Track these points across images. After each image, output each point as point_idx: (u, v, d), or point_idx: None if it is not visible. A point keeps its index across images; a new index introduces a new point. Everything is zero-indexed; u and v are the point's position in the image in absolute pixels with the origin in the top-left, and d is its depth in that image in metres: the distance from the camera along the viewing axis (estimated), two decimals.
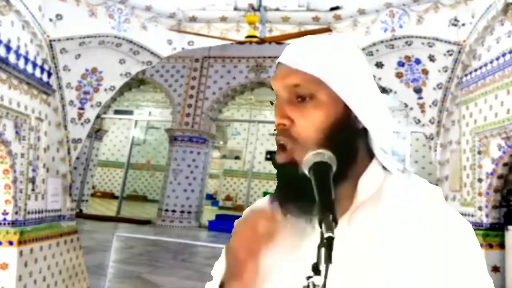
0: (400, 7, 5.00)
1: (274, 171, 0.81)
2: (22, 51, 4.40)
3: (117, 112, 17.37)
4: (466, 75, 4.74)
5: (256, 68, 13.35)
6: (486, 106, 4.35)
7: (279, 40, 5.58)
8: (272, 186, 18.41)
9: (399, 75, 5.28)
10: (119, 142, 22.38)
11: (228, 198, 20.44)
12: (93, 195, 18.59)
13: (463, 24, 4.64)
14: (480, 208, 4.33)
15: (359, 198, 0.78)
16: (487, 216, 4.26)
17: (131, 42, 5.41)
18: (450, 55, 4.81)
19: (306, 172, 0.73)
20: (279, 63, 0.82)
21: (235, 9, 5.78)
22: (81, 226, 8.41)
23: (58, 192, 5.09)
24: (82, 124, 5.32)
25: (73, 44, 5.07)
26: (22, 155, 4.38)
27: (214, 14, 5.76)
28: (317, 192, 0.68)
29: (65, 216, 5.22)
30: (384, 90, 5.91)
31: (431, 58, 5.00)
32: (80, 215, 11.88)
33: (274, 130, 0.81)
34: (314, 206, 0.69)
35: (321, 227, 0.63)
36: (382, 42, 5.15)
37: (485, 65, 4.38)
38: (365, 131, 0.79)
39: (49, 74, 4.93)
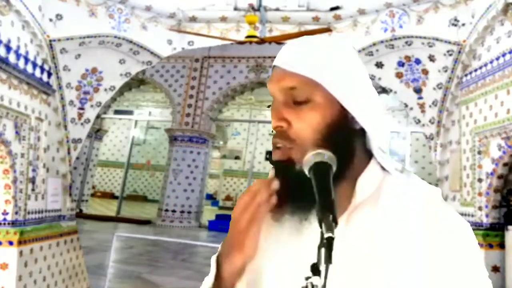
0: (400, 7, 5.00)
1: None
2: (22, 51, 4.40)
3: (117, 112, 17.38)
4: (466, 75, 4.74)
5: (256, 68, 13.35)
6: (486, 106, 4.35)
7: (279, 40, 5.58)
8: None
9: (399, 75, 5.28)
10: (119, 142, 22.38)
11: (228, 198, 20.44)
12: (93, 195, 18.59)
13: (463, 24, 4.64)
14: (480, 208, 4.33)
15: (357, 198, 0.78)
16: (487, 216, 4.26)
17: (131, 42, 5.41)
18: (450, 55, 4.81)
19: (306, 172, 0.73)
20: (274, 66, 0.82)
21: (235, 9, 5.78)
22: (81, 226, 8.41)
23: (58, 192, 5.09)
24: (82, 124, 5.32)
25: (73, 44, 5.07)
26: (22, 155, 4.38)
27: (214, 14, 5.75)
28: (317, 192, 0.69)
29: (65, 216, 5.22)
30: (384, 90, 5.91)
31: (431, 58, 5.00)
32: (80, 215, 11.88)
33: (272, 132, 0.82)
34: (312, 207, 0.69)
35: (321, 227, 0.63)
36: (382, 42, 5.15)
37: (485, 65, 4.38)
38: (362, 131, 0.79)
39: (49, 74, 4.93)
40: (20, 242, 4.21)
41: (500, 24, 4.17)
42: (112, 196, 21.21)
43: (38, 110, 4.69)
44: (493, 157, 4.21)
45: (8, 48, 4.14)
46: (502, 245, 4.19)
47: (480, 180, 4.37)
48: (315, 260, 0.62)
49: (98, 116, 8.27)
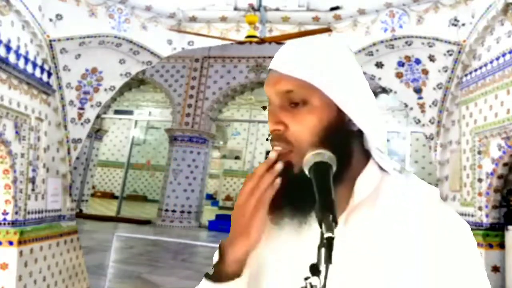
0: (400, 7, 5.00)
1: None
2: (22, 51, 4.40)
3: (117, 112, 17.38)
4: (466, 75, 4.74)
5: (256, 68, 13.35)
6: (486, 106, 4.35)
7: (279, 40, 5.57)
8: None
9: (399, 75, 5.28)
10: (119, 142, 22.38)
11: (228, 198, 20.44)
12: (93, 195, 18.59)
13: (463, 24, 4.64)
14: (480, 208, 4.33)
15: (356, 198, 0.78)
16: (487, 216, 4.26)
17: (131, 42, 5.41)
18: (450, 55, 4.81)
19: (306, 172, 0.73)
20: (270, 69, 0.82)
21: (235, 9, 5.78)
22: (81, 226, 8.42)
23: (58, 192, 5.09)
24: (82, 124, 5.32)
25: (73, 44, 5.07)
26: (22, 155, 4.38)
27: (214, 14, 5.75)
28: (317, 192, 0.69)
29: (65, 216, 5.22)
30: (384, 90, 5.91)
31: (431, 58, 5.00)
32: (80, 215, 11.88)
33: (269, 135, 0.82)
34: (312, 209, 0.69)
35: (321, 227, 0.63)
36: (382, 42, 5.15)
37: (485, 65, 4.38)
38: (360, 132, 0.80)
39: (49, 74, 4.93)
40: (20, 242, 4.21)
41: (500, 24, 4.17)
42: (112, 196, 21.21)
43: (38, 110, 4.69)
44: (493, 157, 4.21)
45: (8, 48, 4.14)
46: (502, 245, 4.19)
47: (480, 180, 4.37)
48: (315, 261, 0.62)
49: (98, 116, 8.28)
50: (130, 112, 19.88)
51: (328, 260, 0.60)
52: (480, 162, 4.38)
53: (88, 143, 13.80)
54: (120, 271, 7.11)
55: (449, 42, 4.76)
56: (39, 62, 4.73)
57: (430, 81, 5.08)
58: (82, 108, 5.31)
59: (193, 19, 5.75)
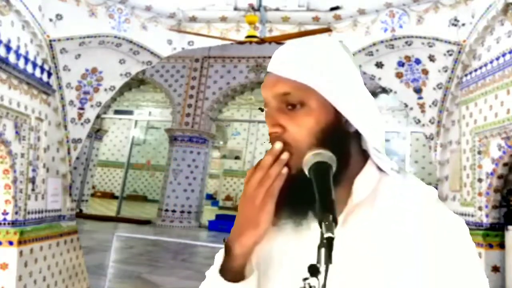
0: (400, 7, 5.00)
1: None
2: (22, 51, 4.40)
3: (117, 112, 17.38)
4: (466, 75, 4.74)
5: (256, 68, 13.35)
6: (486, 106, 4.35)
7: (279, 40, 5.57)
8: None
9: (399, 75, 5.28)
10: (119, 142, 22.38)
11: (228, 198, 20.45)
12: (93, 195, 18.60)
13: (463, 24, 4.64)
14: (480, 208, 4.33)
15: (354, 199, 0.78)
16: (487, 216, 4.26)
17: (131, 42, 5.41)
18: (450, 55, 4.81)
19: (306, 172, 0.73)
20: (267, 72, 0.82)
21: (235, 9, 5.78)
22: (81, 226, 8.42)
23: (58, 192, 5.09)
24: (82, 124, 5.32)
25: (73, 44, 5.07)
26: (22, 155, 4.38)
27: (214, 14, 5.75)
28: (317, 192, 0.69)
29: (65, 216, 5.22)
30: (384, 90, 5.91)
31: (431, 58, 5.00)
32: (80, 215, 11.88)
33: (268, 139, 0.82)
34: (311, 210, 0.69)
35: (321, 227, 0.63)
36: (382, 42, 5.15)
37: (485, 65, 4.38)
38: (357, 133, 0.80)
39: (49, 74, 4.93)
40: (20, 242, 4.21)
41: (500, 24, 4.17)
42: (112, 196, 21.22)
43: (38, 110, 4.69)
44: (493, 157, 4.21)
45: (8, 48, 4.14)
46: (502, 245, 4.19)
47: (480, 180, 4.37)
48: (315, 261, 0.62)
49: (98, 116, 8.28)
50: (130, 112, 19.88)
51: (328, 260, 0.61)
52: (480, 162, 4.38)
53: (88, 143, 13.80)
54: (120, 271, 7.11)
55: (449, 42, 4.76)
56: (39, 62, 4.73)
57: (430, 81, 5.08)
58: (82, 108, 5.31)
59: (193, 19, 5.75)
